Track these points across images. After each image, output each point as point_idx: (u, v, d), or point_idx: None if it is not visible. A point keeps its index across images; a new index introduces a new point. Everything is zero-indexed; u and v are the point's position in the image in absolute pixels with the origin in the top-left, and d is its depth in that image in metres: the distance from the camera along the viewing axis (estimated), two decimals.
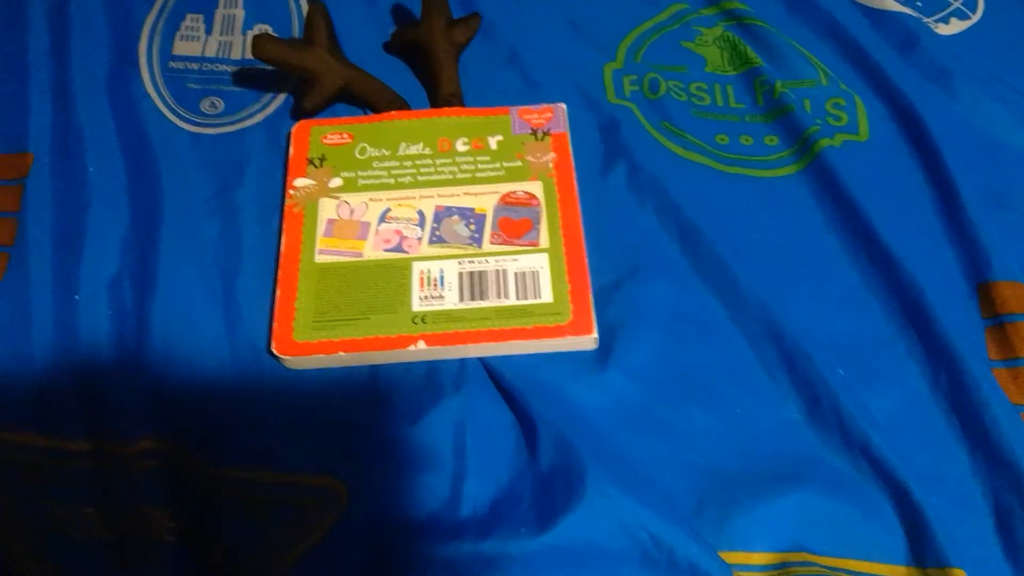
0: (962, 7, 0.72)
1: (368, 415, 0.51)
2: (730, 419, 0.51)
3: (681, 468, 0.49)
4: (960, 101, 0.65)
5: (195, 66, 0.68)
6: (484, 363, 0.53)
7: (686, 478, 0.48)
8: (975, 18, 0.71)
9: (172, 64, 0.68)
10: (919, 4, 0.72)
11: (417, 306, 0.54)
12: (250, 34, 0.70)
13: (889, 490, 0.48)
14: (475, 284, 0.55)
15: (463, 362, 0.53)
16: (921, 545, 0.46)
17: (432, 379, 0.53)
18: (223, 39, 0.70)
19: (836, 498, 0.47)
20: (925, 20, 0.70)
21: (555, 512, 0.46)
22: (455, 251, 0.56)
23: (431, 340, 0.52)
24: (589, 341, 0.53)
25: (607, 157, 0.62)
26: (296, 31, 0.70)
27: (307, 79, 0.62)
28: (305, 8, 0.72)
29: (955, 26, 0.71)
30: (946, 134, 0.62)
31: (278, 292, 0.54)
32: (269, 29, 0.70)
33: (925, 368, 0.52)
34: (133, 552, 0.46)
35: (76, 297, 0.55)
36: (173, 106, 0.65)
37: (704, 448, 0.49)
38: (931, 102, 0.64)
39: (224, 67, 0.68)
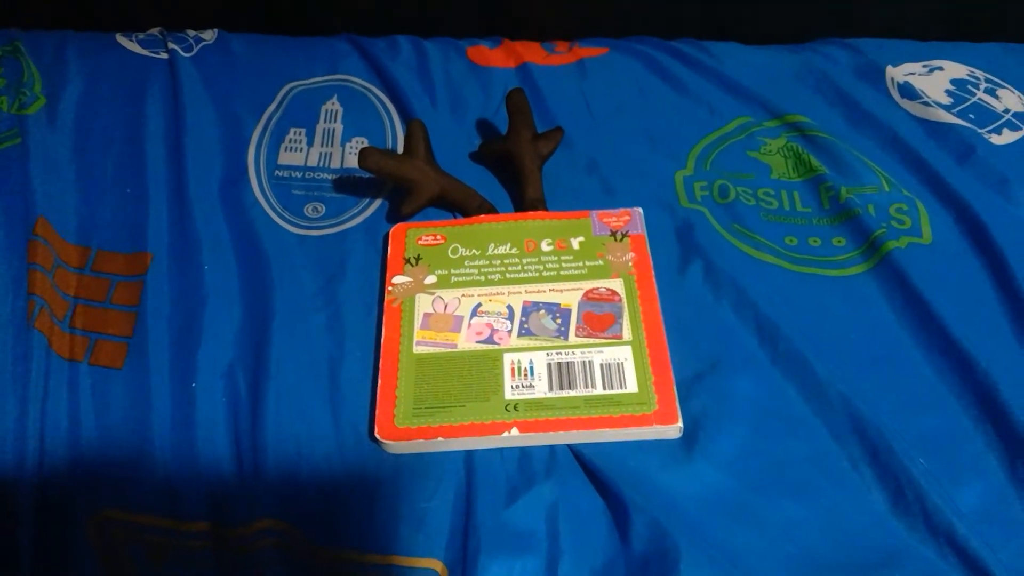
0: (1013, 119, 0.76)
1: (466, 498, 0.54)
2: (818, 509, 0.52)
3: (774, 557, 0.50)
4: (1019, 205, 0.68)
5: (298, 175, 0.74)
6: (573, 450, 0.56)
7: (780, 567, 0.50)
8: None
9: (278, 173, 0.74)
10: (972, 117, 0.76)
11: (509, 395, 0.57)
12: (348, 146, 0.77)
13: None
14: (563, 374, 0.58)
15: (553, 449, 0.56)
16: None
17: (524, 465, 0.55)
18: (323, 150, 0.76)
19: None
20: (979, 131, 0.74)
21: None
22: (543, 343, 0.60)
23: (524, 427, 0.55)
24: (674, 430, 0.56)
25: (683, 256, 0.66)
26: (388, 143, 0.77)
27: (406, 186, 0.68)
28: (397, 123, 0.79)
29: (1007, 136, 0.75)
30: (1007, 237, 0.65)
31: (380, 380, 0.58)
32: (365, 141, 0.77)
33: (1004, 460, 0.54)
34: None
35: (193, 385, 0.59)
36: (280, 211, 0.71)
37: (795, 538, 0.51)
38: (991, 207, 0.67)
39: (325, 175, 0.74)
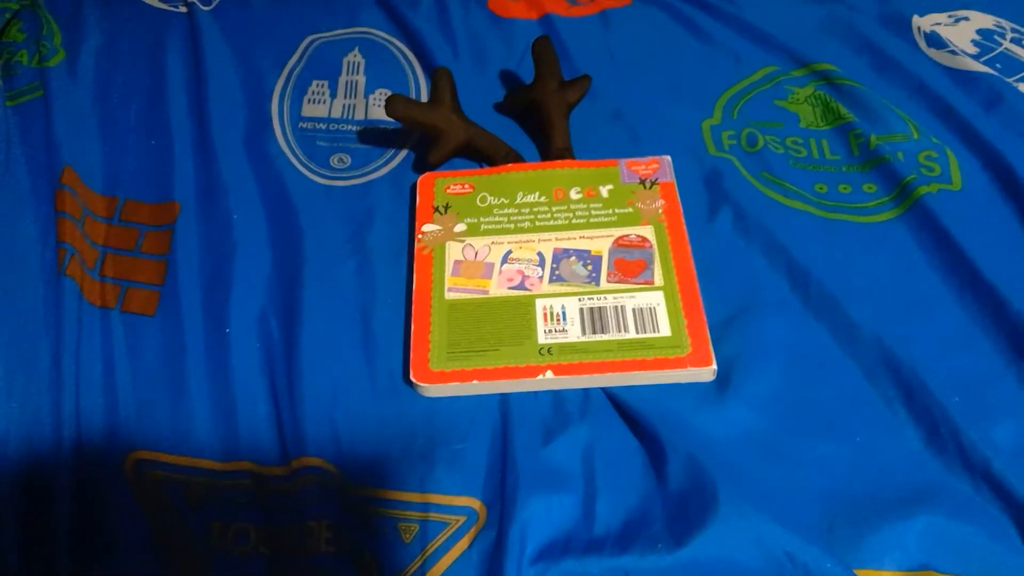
0: None
1: (502, 439, 0.54)
2: (853, 448, 0.52)
3: (810, 492, 0.51)
4: None
5: (323, 126, 0.74)
6: (607, 392, 0.56)
7: (815, 501, 0.50)
8: None
9: (302, 124, 0.74)
10: (998, 66, 0.75)
11: (543, 339, 0.57)
12: (372, 97, 0.76)
13: (1011, 511, 0.49)
14: (595, 319, 0.58)
15: (586, 392, 0.56)
16: None
17: (559, 407, 0.56)
18: (347, 102, 0.76)
19: (961, 520, 0.49)
20: (1007, 80, 0.74)
21: (690, 529, 0.48)
22: (575, 289, 0.60)
23: (558, 370, 0.56)
24: (708, 373, 0.56)
25: (712, 204, 0.66)
26: (411, 94, 0.76)
27: (433, 135, 0.68)
28: (420, 76, 0.78)
29: None
30: None
31: (413, 326, 0.58)
32: (388, 93, 0.76)
33: None
34: (292, 566, 0.49)
35: (227, 331, 0.59)
36: (305, 162, 0.71)
37: (829, 474, 0.51)
38: (1020, 154, 0.67)
39: (349, 127, 0.74)
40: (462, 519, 0.51)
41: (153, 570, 0.50)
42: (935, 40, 0.77)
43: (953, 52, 0.76)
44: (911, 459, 0.52)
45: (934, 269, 0.61)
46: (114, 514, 0.52)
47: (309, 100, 0.76)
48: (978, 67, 0.75)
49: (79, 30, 0.80)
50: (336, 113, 0.75)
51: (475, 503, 0.52)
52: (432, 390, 0.56)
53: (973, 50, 0.77)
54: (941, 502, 0.49)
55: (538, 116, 0.71)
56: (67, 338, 0.58)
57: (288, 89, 0.77)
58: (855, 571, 0.47)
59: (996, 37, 0.78)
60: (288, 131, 0.73)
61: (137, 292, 0.63)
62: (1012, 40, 0.78)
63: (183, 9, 0.83)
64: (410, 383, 0.56)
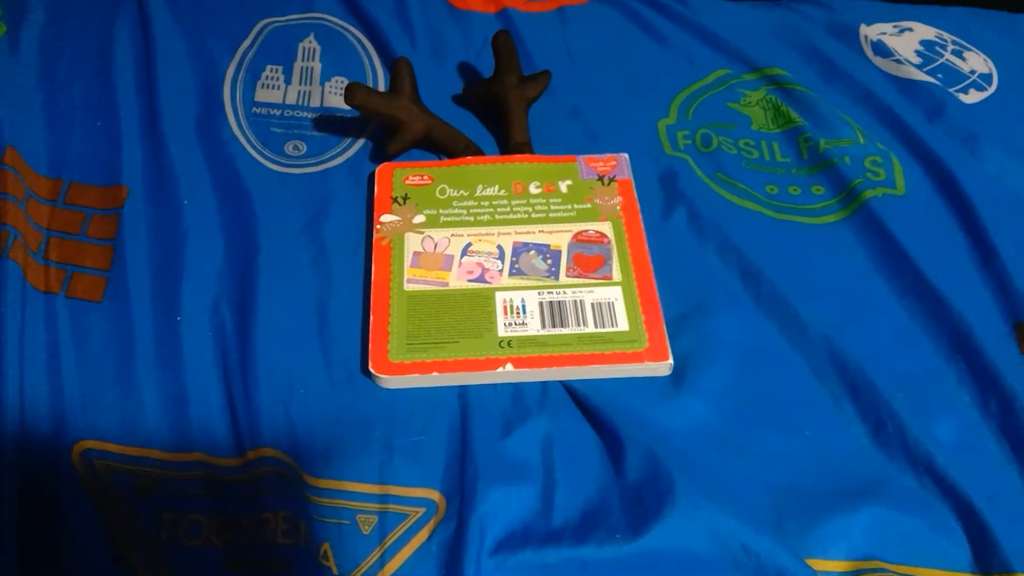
0: (979, 80, 0.79)
1: (461, 431, 0.54)
2: (801, 442, 0.54)
3: (760, 484, 0.52)
4: (987, 162, 0.71)
5: (277, 112, 0.73)
6: (566, 386, 0.57)
7: (766, 493, 0.52)
8: (991, 90, 0.78)
9: (255, 110, 0.73)
10: (940, 76, 0.78)
11: (503, 331, 0.57)
12: (328, 85, 0.75)
13: (954, 504, 0.51)
14: (555, 312, 0.58)
15: (545, 385, 0.57)
16: (986, 553, 0.49)
17: (518, 400, 0.56)
18: (302, 88, 0.75)
19: (905, 512, 0.51)
20: (948, 90, 0.77)
21: (647, 520, 0.49)
22: (534, 282, 0.60)
23: (518, 363, 0.56)
24: (664, 367, 0.57)
25: (667, 203, 0.67)
26: (368, 83, 0.76)
27: (392, 125, 0.67)
28: (377, 65, 0.77)
29: (974, 96, 0.77)
30: (976, 191, 0.67)
31: (372, 317, 0.58)
32: (345, 80, 0.75)
33: (975, 396, 0.56)
34: (248, 557, 0.48)
35: (178, 319, 0.58)
36: (259, 148, 0.70)
37: (780, 467, 0.53)
38: (960, 162, 0.70)
39: (305, 114, 0.73)
40: (421, 511, 0.51)
41: (105, 562, 0.48)
42: (881, 49, 0.80)
43: (898, 61, 0.79)
44: (858, 454, 0.54)
45: (879, 270, 0.63)
46: (63, 505, 0.50)
47: (263, 85, 0.75)
48: (922, 76, 0.77)
49: (22, 5, 0.77)
50: (291, 99, 0.74)
51: (434, 495, 0.52)
52: (391, 382, 0.56)
53: (917, 60, 0.80)
54: (886, 495, 0.51)
55: (497, 110, 0.71)
56: (10, 323, 0.56)
57: (241, 73, 0.76)
58: (804, 560, 0.48)
59: (938, 48, 0.82)
60: (241, 116, 0.72)
61: (83, 277, 0.61)
62: (953, 52, 0.81)
63: None
64: (368, 374, 0.56)
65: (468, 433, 0.54)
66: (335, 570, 0.48)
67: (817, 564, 0.49)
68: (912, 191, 0.69)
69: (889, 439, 0.54)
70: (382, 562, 0.49)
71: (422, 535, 0.50)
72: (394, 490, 0.51)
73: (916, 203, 0.68)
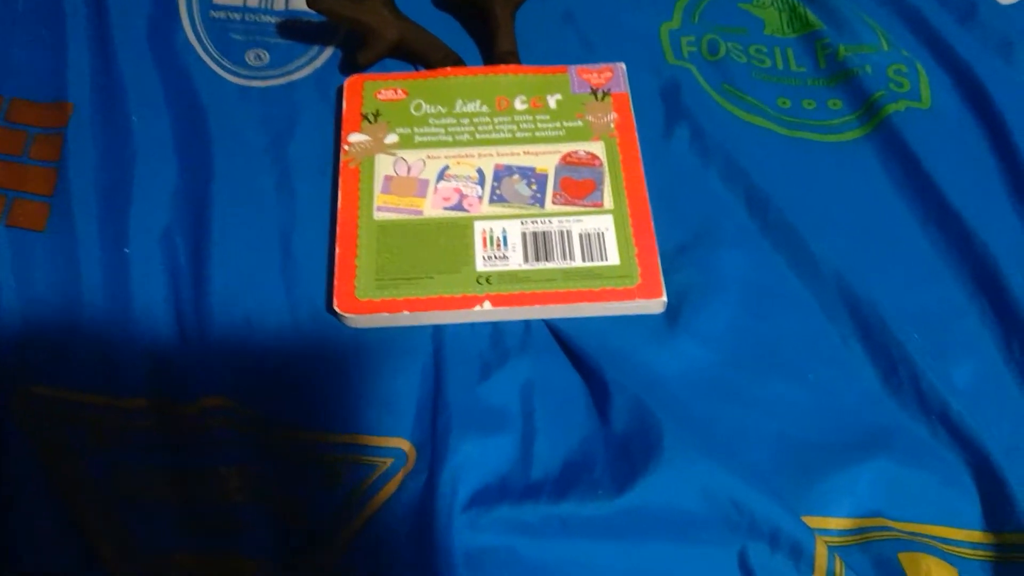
0: None
1: (434, 375, 0.50)
2: (805, 387, 0.50)
3: (758, 435, 0.48)
4: (1021, 70, 0.63)
5: (237, 16, 0.66)
6: (549, 325, 0.52)
7: (763, 445, 0.47)
8: None
9: (213, 14, 0.66)
10: None
11: (481, 266, 0.52)
12: None
13: (968, 456, 0.47)
14: (539, 245, 0.53)
15: (528, 323, 0.52)
16: (1001, 510, 0.45)
17: (497, 340, 0.51)
18: None
19: (914, 465, 0.47)
20: None
21: (633, 474, 0.45)
22: (517, 211, 0.55)
23: (497, 301, 0.51)
24: (657, 305, 0.52)
25: (668, 119, 0.61)
26: None
27: (362, 33, 0.60)
28: None
29: None
30: (1009, 102, 0.60)
31: (338, 250, 0.53)
32: None
33: (998, 337, 0.51)
34: (205, 515, 0.45)
35: (126, 250, 0.53)
36: (217, 57, 0.63)
37: (780, 416, 0.49)
38: (992, 71, 0.63)
39: (268, 18, 0.66)
40: (389, 461, 0.47)
41: (53, 518, 0.45)
42: None
43: None
44: (866, 400, 0.49)
45: (900, 196, 0.57)
46: (5, 456, 0.47)
47: None
48: None
49: None
50: (253, 2, 0.67)
51: (404, 444, 0.48)
52: (358, 321, 0.51)
53: None
54: (895, 446, 0.47)
55: (481, 14, 0.63)
56: None
57: None
58: (803, 518, 0.45)
59: None
60: (198, 21, 0.65)
61: (25, 204, 0.56)
62: None
63: None
64: (334, 313, 0.51)
65: (442, 377, 0.49)
66: (300, 528, 0.45)
67: (816, 522, 0.45)
68: (939, 104, 0.62)
69: (901, 384, 0.49)
70: (348, 517, 0.45)
71: (390, 487, 0.46)
72: (361, 439, 0.48)
73: (943, 118, 0.61)
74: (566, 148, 0.57)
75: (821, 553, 0.43)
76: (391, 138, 0.58)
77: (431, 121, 0.59)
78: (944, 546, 0.44)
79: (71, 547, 0.44)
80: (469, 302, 0.51)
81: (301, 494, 0.46)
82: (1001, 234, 0.54)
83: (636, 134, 0.58)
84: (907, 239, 0.55)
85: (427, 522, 0.44)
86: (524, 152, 0.57)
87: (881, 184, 0.58)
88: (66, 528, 0.45)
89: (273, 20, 0.66)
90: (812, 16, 0.66)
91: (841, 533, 0.45)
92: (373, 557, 0.44)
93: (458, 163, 0.57)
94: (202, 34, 0.64)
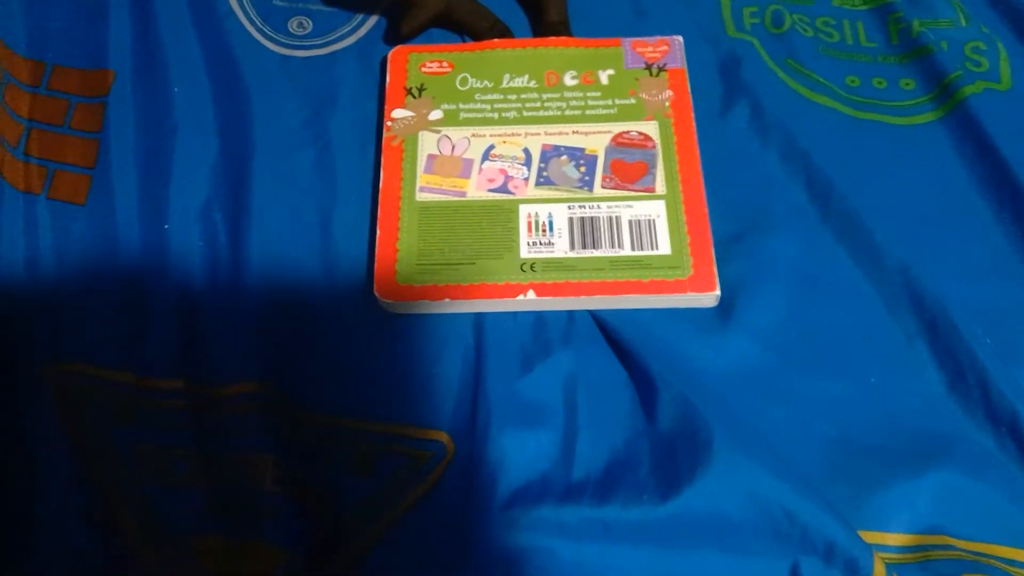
0: None
1: (474, 365, 0.48)
2: (865, 389, 0.47)
3: (813, 439, 0.45)
4: None
5: None
6: (595, 316, 0.50)
7: (818, 450, 0.45)
8: None
9: None
10: None
11: (526, 252, 0.50)
12: None
13: None
14: (587, 231, 0.51)
15: (572, 314, 0.50)
16: None
17: (540, 330, 0.50)
18: None
19: (979, 478, 0.44)
20: None
21: (679, 479, 0.43)
22: (564, 194, 0.52)
23: (541, 290, 0.49)
24: (710, 299, 0.49)
25: (726, 96, 0.58)
26: None
27: (405, 1, 0.58)
28: None
29: None
30: None
31: (379, 232, 0.51)
32: None
33: None
34: (234, 501, 0.44)
35: (166, 227, 0.52)
36: (260, 25, 0.61)
37: (837, 419, 0.46)
38: None
39: None
40: (428, 454, 0.46)
41: (77, 497, 0.44)
42: None
43: None
44: (929, 405, 0.47)
45: (974, 184, 0.54)
46: (33, 430, 0.46)
47: None
48: None
49: None
50: None
51: (443, 436, 0.46)
52: (398, 307, 0.49)
53: None
54: (959, 457, 0.44)
55: None
56: None
57: None
58: (859, 533, 0.42)
59: None
60: None
61: (66, 176, 0.55)
62: None
63: None
64: (373, 298, 0.50)
65: (482, 368, 0.48)
66: (330, 519, 0.44)
67: (873, 537, 0.43)
68: (1019, 86, 0.57)
69: (969, 390, 0.47)
70: (382, 511, 0.44)
71: (428, 482, 0.45)
72: (398, 429, 0.46)
73: (1023, 101, 0.57)
74: (618, 128, 0.55)
75: (879, 571, 0.40)
76: (435, 114, 0.56)
77: (477, 97, 0.56)
78: (1011, 568, 0.42)
79: (95, 525, 0.44)
80: (512, 291, 0.49)
81: (333, 484, 0.45)
82: None
83: (692, 113, 0.55)
84: (980, 231, 0.52)
85: (465, 520, 0.43)
86: (573, 131, 0.55)
87: (955, 171, 0.54)
88: (90, 505, 0.45)
89: None
90: None
91: (900, 550, 0.43)
92: (408, 553, 0.43)
93: (504, 142, 0.54)
94: (245, 0, 0.62)
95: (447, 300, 0.49)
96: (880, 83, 0.58)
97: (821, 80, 0.58)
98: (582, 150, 0.54)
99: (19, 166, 0.55)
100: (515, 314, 0.50)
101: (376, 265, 0.50)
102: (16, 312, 0.49)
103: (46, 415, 0.46)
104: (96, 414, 0.46)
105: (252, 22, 0.61)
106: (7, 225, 0.52)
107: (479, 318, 0.50)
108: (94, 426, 0.46)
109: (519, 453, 0.45)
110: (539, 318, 0.50)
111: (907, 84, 0.58)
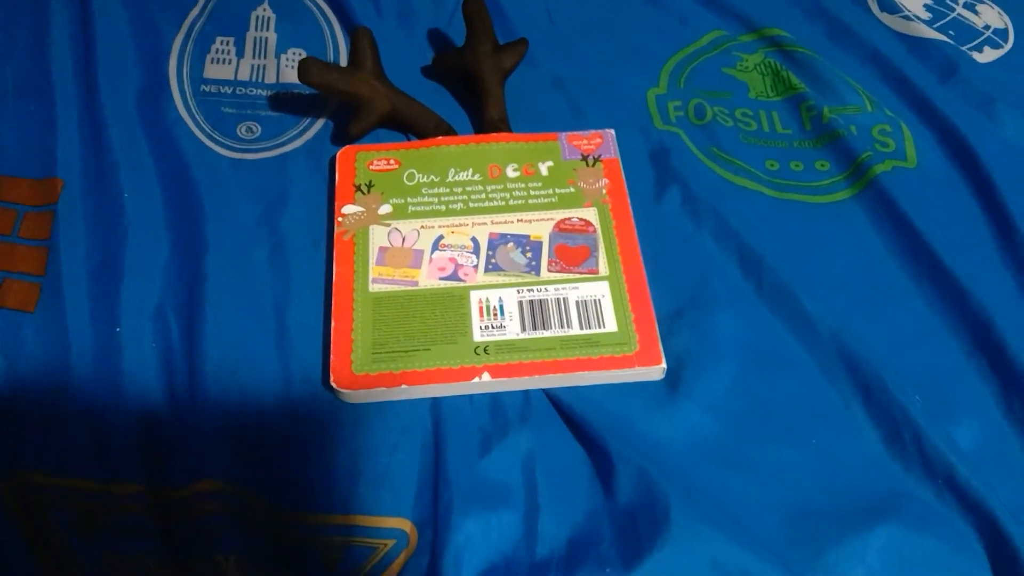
0: (993, 36, 0.73)
1: (434, 450, 0.49)
2: (810, 452, 0.49)
3: (765, 503, 0.47)
4: (1005, 126, 0.65)
5: (228, 90, 0.66)
6: (550, 395, 0.51)
7: (771, 513, 0.47)
8: (1007, 47, 0.72)
9: (204, 88, 0.66)
10: (952, 33, 0.72)
11: (479, 336, 0.52)
12: (284, 57, 0.68)
13: (976, 520, 0.46)
14: (536, 313, 0.53)
15: (527, 394, 0.52)
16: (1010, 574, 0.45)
17: (497, 412, 0.51)
18: (256, 62, 0.68)
19: (922, 532, 0.46)
20: (961, 48, 0.70)
21: (640, 550, 0.44)
22: (513, 279, 0.54)
23: (496, 372, 0.51)
24: (658, 371, 0.51)
25: (659, 183, 0.61)
26: (329, 55, 0.69)
27: (353, 104, 0.61)
28: (339, 33, 0.70)
29: (989, 54, 0.71)
30: (994, 159, 0.62)
31: (333, 323, 0.52)
32: (303, 53, 0.68)
33: (999, 395, 0.51)
34: None
35: (118, 330, 0.52)
36: (209, 131, 0.63)
37: (787, 482, 0.48)
38: (976, 128, 0.64)
39: (259, 91, 0.66)
40: (391, 543, 0.46)
41: None
42: (888, 4, 0.73)
43: (907, 17, 0.72)
44: (871, 464, 0.49)
45: (892, 255, 0.58)
46: None
47: (212, 60, 0.68)
48: (932, 34, 0.71)
49: None
50: (244, 75, 0.67)
51: (405, 524, 0.47)
52: (355, 396, 0.50)
53: (926, 15, 0.73)
54: (903, 512, 0.47)
55: (471, 83, 0.64)
56: None
57: (189, 46, 0.69)
58: None
59: (949, 2, 0.75)
60: (188, 95, 0.65)
61: (15, 284, 0.55)
62: (965, 5, 0.75)
63: None
64: (331, 389, 0.50)
65: (441, 452, 0.49)
66: None
67: None
68: (924, 163, 0.63)
69: (905, 447, 0.49)
70: None
71: (392, 570, 0.45)
72: (360, 520, 0.46)
73: (929, 176, 0.62)
74: (559, 215, 0.58)
75: None
76: (385, 209, 0.58)
77: (424, 191, 0.59)
78: None
79: None
80: (467, 373, 0.50)
81: None
82: (994, 290, 0.55)
83: (628, 199, 0.59)
84: (902, 298, 0.56)
85: None
86: (518, 220, 0.57)
87: (873, 244, 0.58)
88: None
89: (264, 93, 0.66)
90: (795, 79, 0.67)
91: None
92: None
93: (452, 232, 0.57)
94: (193, 108, 0.65)
95: (404, 387, 0.50)
96: (797, 165, 0.62)
97: (744, 165, 0.62)
98: (527, 237, 0.56)
99: None
100: (471, 397, 0.51)
101: (332, 356, 0.51)
102: None
103: (4, 527, 0.45)
104: (56, 523, 0.45)
105: (201, 128, 0.63)
106: None
107: (436, 403, 0.51)
108: (57, 537, 0.45)
109: (483, 535, 0.46)
110: (495, 400, 0.51)
111: (822, 165, 0.62)
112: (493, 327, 0.52)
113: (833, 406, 0.51)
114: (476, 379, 0.50)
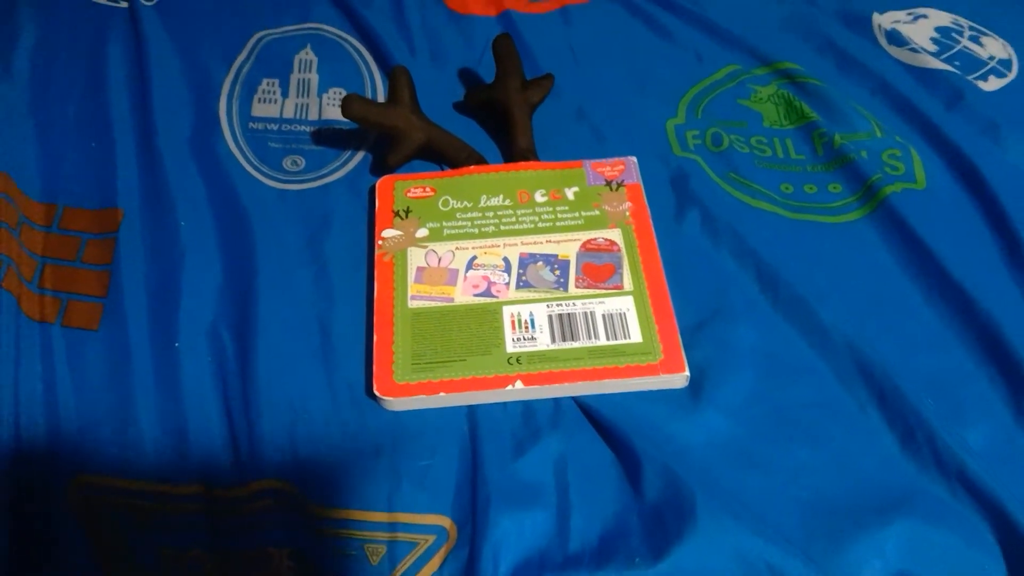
0: (998, 66, 0.76)
1: (471, 452, 0.52)
2: (828, 453, 0.52)
3: (787, 502, 0.49)
4: (1009, 151, 0.68)
5: (274, 127, 0.71)
6: (578, 402, 0.54)
7: (793, 510, 0.49)
8: (1011, 75, 0.75)
9: (252, 125, 0.71)
10: (958, 64, 0.76)
11: (511, 347, 0.55)
12: (325, 96, 0.73)
13: (988, 514, 0.48)
14: (565, 326, 0.56)
15: (557, 401, 0.55)
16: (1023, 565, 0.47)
17: (529, 418, 0.54)
18: (299, 101, 0.73)
19: (938, 526, 0.48)
20: (967, 78, 0.74)
21: (668, 542, 0.47)
22: (542, 295, 0.58)
23: (528, 380, 0.54)
24: (681, 379, 0.54)
25: (679, 206, 0.65)
26: (368, 94, 0.74)
27: (391, 136, 0.65)
28: (376, 73, 0.75)
29: (994, 83, 0.75)
30: (1000, 181, 0.65)
31: (375, 336, 0.56)
32: (343, 92, 0.73)
33: (1008, 399, 0.54)
34: None
35: (176, 345, 0.56)
36: (256, 164, 0.68)
37: (806, 482, 0.50)
38: (982, 152, 0.67)
39: (303, 127, 0.71)
40: (432, 538, 0.49)
41: None
42: (896, 38, 0.77)
43: (914, 50, 0.76)
44: (886, 464, 0.51)
45: (902, 269, 0.60)
46: (58, 541, 0.49)
47: (259, 99, 0.73)
48: (938, 64, 0.75)
49: (12, 26, 0.76)
50: (288, 113, 0.72)
51: (445, 521, 0.50)
52: (397, 404, 0.54)
53: (933, 48, 0.77)
54: (918, 508, 0.49)
55: (500, 116, 0.69)
56: (4, 354, 0.54)
57: (237, 88, 0.74)
58: None
59: (954, 35, 0.79)
60: (238, 132, 0.70)
61: (79, 305, 0.59)
62: (970, 38, 0.78)
63: (124, 4, 0.79)
64: (373, 397, 0.54)
65: (478, 455, 0.52)
66: None
67: None
68: (933, 185, 0.66)
69: (919, 447, 0.51)
70: None
71: (433, 564, 0.48)
72: (403, 517, 0.49)
73: (938, 197, 0.65)
74: (585, 236, 0.61)
75: None
76: (422, 232, 0.62)
77: (458, 215, 0.63)
78: None
79: None
80: (501, 382, 0.54)
81: (347, 572, 0.47)
82: (1002, 303, 0.57)
83: (650, 220, 0.62)
84: (913, 310, 0.58)
85: None
86: (546, 241, 0.61)
87: (884, 260, 0.61)
88: None
89: (307, 129, 0.71)
90: (807, 108, 0.70)
91: None
92: None
93: (485, 253, 0.60)
94: (242, 143, 0.69)
95: (442, 394, 0.53)
96: (811, 188, 0.66)
97: (760, 188, 0.66)
98: (556, 256, 0.60)
99: (35, 298, 0.59)
100: (505, 404, 0.54)
101: (375, 366, 0.54)
102: (38, 433, 0.52)
103: (71, 528, 0.48)
104: (119, 523, 0.49)
105: (250, 162, 0.68)
106: (25, 353, 0.56)
107: (472, 410, 0.54)
108: (116, 533, 0.48)
109: (517, 532, 0.48)
110: (527, 407, 0.54)
111: (834, 187, 0.66)
112: (525, 339, 0.56)
113: (848, 410, 0.54)
114: (509, 387, 0.53)
